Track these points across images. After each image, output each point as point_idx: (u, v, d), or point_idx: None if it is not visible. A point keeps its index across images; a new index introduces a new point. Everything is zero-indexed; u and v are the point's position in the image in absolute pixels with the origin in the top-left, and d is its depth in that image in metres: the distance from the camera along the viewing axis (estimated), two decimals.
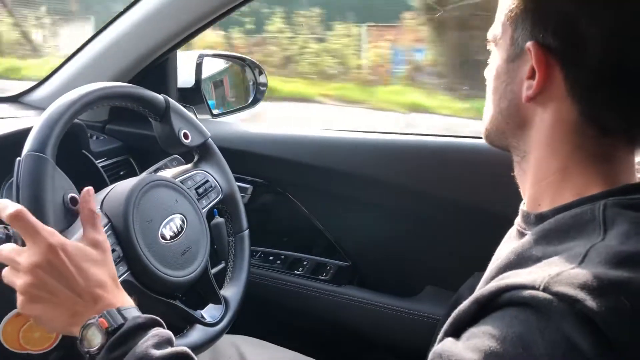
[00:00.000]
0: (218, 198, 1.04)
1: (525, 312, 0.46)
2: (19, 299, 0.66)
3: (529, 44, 0.59)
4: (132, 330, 0.64)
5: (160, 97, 0.98)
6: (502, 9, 0.65)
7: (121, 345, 0.63)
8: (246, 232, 1.08)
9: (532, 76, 0.60)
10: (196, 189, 1.00)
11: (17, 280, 0.66)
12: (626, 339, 0.44)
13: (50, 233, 0.67)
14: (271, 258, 1.39)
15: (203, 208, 0.99)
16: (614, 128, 0.59)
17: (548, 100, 0.60)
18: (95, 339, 0.63)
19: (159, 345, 0.63)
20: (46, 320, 0.66)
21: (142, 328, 0.65)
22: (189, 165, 1.06)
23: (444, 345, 0.51)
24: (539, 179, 0.63)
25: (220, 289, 1.00)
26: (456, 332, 0.52)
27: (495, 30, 0.66)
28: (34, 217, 0.67)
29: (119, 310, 0.65)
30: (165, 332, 0.65)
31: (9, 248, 0.68)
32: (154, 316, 0.67)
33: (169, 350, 0.63)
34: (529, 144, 0.64)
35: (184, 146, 1.02)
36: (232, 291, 1.00)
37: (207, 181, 1.03)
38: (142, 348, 0.62)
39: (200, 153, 1.06)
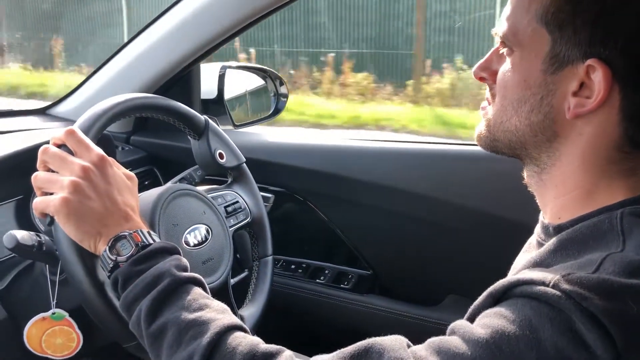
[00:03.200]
0: (246, 220, 1.06)
1: (537, 303, 0.48)
2: (58, 199, 0.68)
3: (591, 62, 0.55)
4: (159, 250, 0.69)
5: (202, 117, 1.02)
6: (523, 5, 0.60)
7: (147, 260, 0.67)
8: (270, 258, 1.09)
9: (578, 91, 0.57)
10: (225, 207, 1.03)
11: (63, 181, 0.68)
12: (630, 341, 0.44)
13: (101, 151, 0.73)
14: (293, 267, 1.40)
15: (230, 227, 1.01)
16: None
17: (593, 117, 0.57)
18: (124, 250, 0.68)
19: (178, 267, 0.67)
20: (78, 224, 0.68)
21: (167, 251, 0.69)
22: (222, 186, 1.09)
23: (459, 322, 0.54)
24: (564, 192, 0.62)
25: (239, 306, 1.00)
26: (472, 320, 0.54)
27: (514, 30, 0.61)
28: (84, 135, 0.74)
29: (148, 232, 0.71)
30: (185, 260, 0.70)
31: (44, 173, 0.71)
32: (176, 245, 0.72)
33: (187, 273, 0.68)
34: (555, 157, 0.61)
35: (218, 165, 1.04)
36: (250, 311, 1.01)
37: (237, 202, 1.06)
38: (166, 266, 0.66)
39: (234, 175, 1.10)
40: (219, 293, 0.94)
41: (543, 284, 0.48)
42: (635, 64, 0.55)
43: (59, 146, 0.72)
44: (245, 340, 0.60)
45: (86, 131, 0.78)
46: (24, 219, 1.00)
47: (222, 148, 1.05)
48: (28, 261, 0.94)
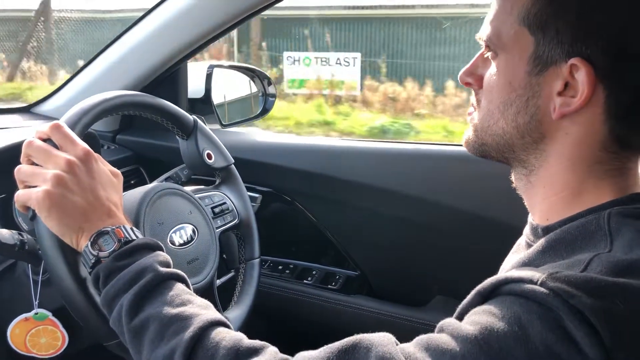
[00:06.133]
0: (233, 222, 1.05)
1: (525, 300, 0.48)
2: (41, 191, 0.66)
3: (574, 61, 0.55)
4: (142, 246, 0.68)
5: (190, 117, 1.01)
6: (505, 8, 0.60)
7: (130, 255, 0.67)
8: (257, 261, 1.08)
9: (563, 91, 0.57)
10: (212, 207, 1.02)
11: (46, 174, 0.67)
12: (617, 338, 0.44)
13: (87, 146, 0.72)
14: (280, 267, 1.39)
15: (217, 228, 1.00)
16: (636, 144, 0.59)
17: (579, 117, 0.58)
18: (106, 246, 0.67)
19: (161, 263, 0.67)
20: (59, 218, 0.67)
21: (150, 247, 0.69)
22: (210, 187, 1.08)
23: (447, 319, 0.53)
24: (551, 193, 0.62)
25: (224, 307, 0.99)
26: (460, 319, 0.53)
27: (498, 33, 0.61)
28: (70, 129, 0.72)
29: (131, 229, 0.70)
30: (167, 257, 0.69)
31: (28, 166, 0.70)
32: (159, 242, 0.71)
33: (170, 269, 0.67)
34: (543, 158, 0.62)
35: (206, 166, 1.03)
36: (235, 314, 1.00)
37: (224, 203, 1.05)
38: (149, 262, 0.66)
39: (222, 177, 1.09)
40: (204, 294, 0.92)
41: (531, 282, 0.48)
42: (617, 61, 0.55)
43: (44, 140, 0.71)
44: (229, 335, 0.59)
45: (72, 126, 0.77)
46: (6, 218, 0.98)
47: (211, 149, 1.04)
48: (10, 261, 0.93)
